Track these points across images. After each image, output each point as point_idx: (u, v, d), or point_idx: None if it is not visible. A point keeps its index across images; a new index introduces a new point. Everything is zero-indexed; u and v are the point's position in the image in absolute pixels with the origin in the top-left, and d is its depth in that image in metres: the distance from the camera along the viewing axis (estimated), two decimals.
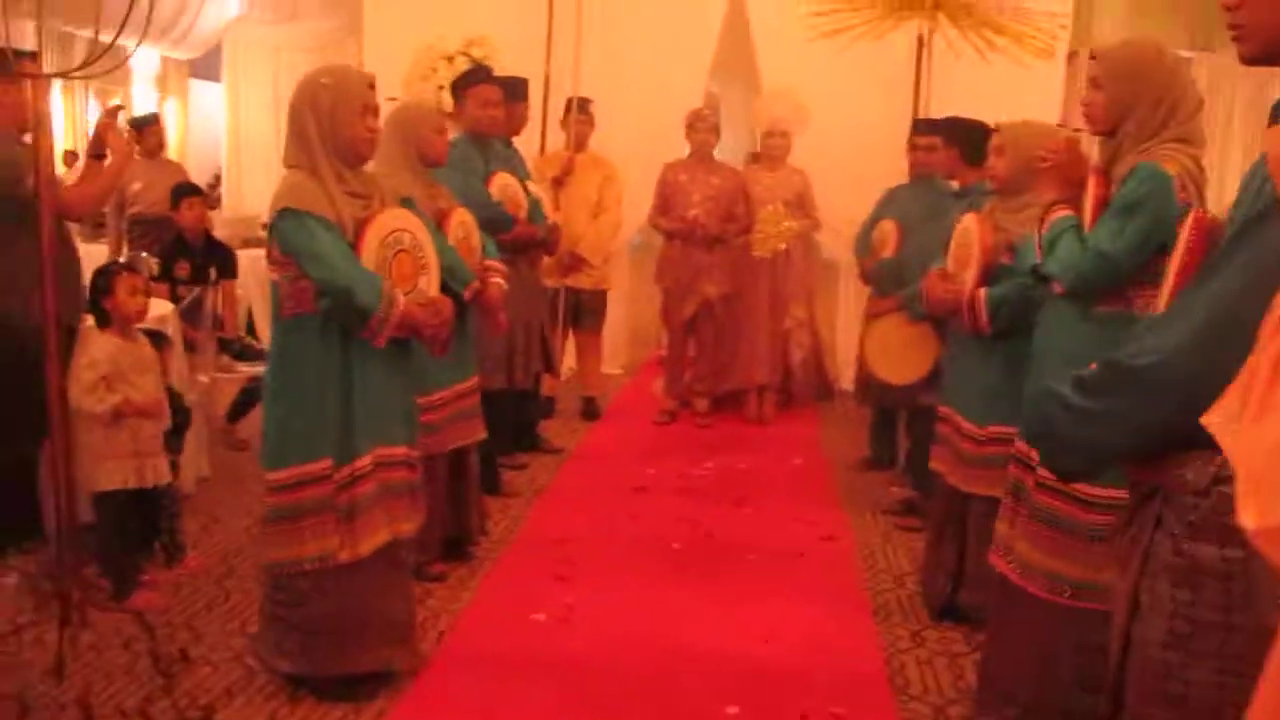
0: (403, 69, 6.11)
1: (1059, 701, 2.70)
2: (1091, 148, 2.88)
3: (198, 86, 11.50)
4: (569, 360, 6.70)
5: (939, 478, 3.76)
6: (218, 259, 5.62)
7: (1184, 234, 1.65)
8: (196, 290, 5.23)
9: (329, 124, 2.84)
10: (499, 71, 5.12)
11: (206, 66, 11.20)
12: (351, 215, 2.86)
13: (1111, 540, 2.44)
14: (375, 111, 2.94)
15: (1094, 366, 1.71)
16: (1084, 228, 2.71)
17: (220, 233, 6.70)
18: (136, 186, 6.73)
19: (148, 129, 7.20)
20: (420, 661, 3.23)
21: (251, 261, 6.59)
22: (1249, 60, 1.63)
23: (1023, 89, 6.17)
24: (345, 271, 2.77)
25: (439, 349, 3.07)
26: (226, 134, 10.80)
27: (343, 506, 2.88)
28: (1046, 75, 6.58)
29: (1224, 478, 1.58)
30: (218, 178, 10.99)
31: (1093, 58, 2.81)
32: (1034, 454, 2.79)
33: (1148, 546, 1.68)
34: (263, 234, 8.11)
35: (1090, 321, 2.68)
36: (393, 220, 2.97)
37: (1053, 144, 2.91)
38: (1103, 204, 2.68)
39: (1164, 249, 2.56)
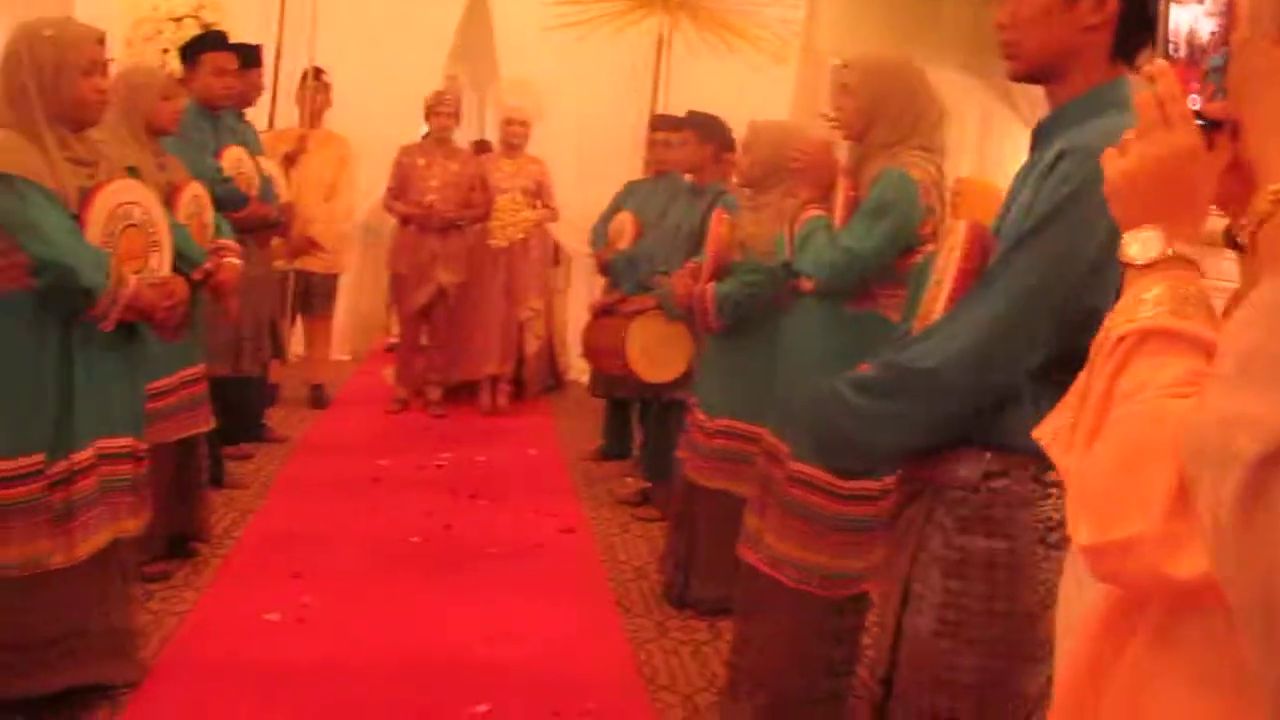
0: (122, 29, 5.65)
1: (808, 686, 2.80)
2: (841, 150, 2.98)
3: None
4: (295, 346, 6.41)
5: (680, 465, 3.83)
6: None
7: (959, 241, 1.71)
8: None
9: (51, 81, 2.57)
10: (231, 38, 4.81)
11: None
12: (75, 184, 2.59)
13: (875, 532, 2.55)
14: (104, 70, 2.68)
15: (867, 367, 1.76)
16: (834, 227, 2.81)
17: None
18: None
19: None
20: (142, 672, 2.98)
21: None
22: (1016, 78, 1.73)
23: (755, 90, 6.36)
24: (67, 247, 2.51)
25: (171, 334, 2.84)
26: None
27: (58, 506, 2.61)
28: (777, 79, 6.82)
29: (993, 473, 1.66)
30: None
31: (844, 65, 2.92)
32: (783, 447, 2.88)
33: (919, 539, 1.74)
34: None
35: (841, 321, 2.78)
36: (121, 191, 2.72)
37: (804, 145, 2.99)
38: (852, 205, 2.79)
39: (909, 249, 2.71)
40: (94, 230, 2.60)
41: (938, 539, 1.71)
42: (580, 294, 7.31)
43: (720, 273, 3.65)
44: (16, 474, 2.55)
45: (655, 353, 4.64)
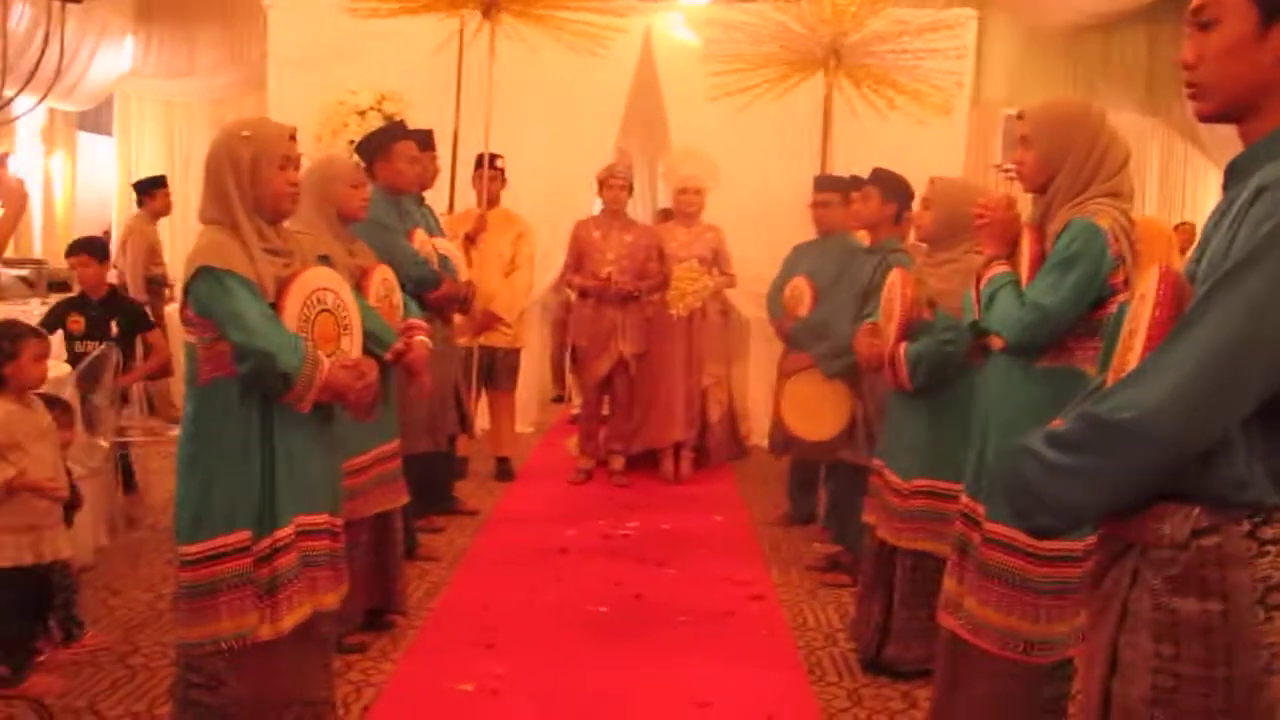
0: (308, 126, 5.98)
1: None
2: (1024, 203, 2.90)
3: (87, 140, 11.17)
4: (481, 420, 6.57)
5: (870, 530, 3.74)
6: (123, 314, 5.40)
7: (1152, 288, 1.63)
8: (99, 348, 5.00)
9: (248, 178, 2.72)
10: (410, 126, 5.03)
11: (96, 119, 10.89)
12: (272, 274, 2.73)
13: (1080, 595, 2.42)
14: (297, 164, 2.82)
15: (1060, 422, 1.67)
16: (1021, 283, 2.72)
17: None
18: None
19: (157, 191, 7.87)
20: None
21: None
22: (1205, 118, 1.64)
23: (920, 145, 6.26)
24: (266, 334, 2.63)
25: (363, 413, 2.94)
26: (118, 189, 10.49)
27: (263, 580, 2.72)
28: (943, 132, 6.71)
29: (1203, 530, 1.55)
30: (107, 233, 10.66)
31: (1020, 116, 2.84)
32: (979, 509, 2.78)
33: (1125, 601, 1.64)
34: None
35: (1035, 377, 2.68)
36: (315, 279, 2.84)
37: (987, 200, 2.92)
38: (1039, 259, 2.70)
39: (1100, 302, 2.60)
40: (290, 317, 2.72)
41: (1146, 601, 1.60)
42: (761, 360, 7.28)
43: (910, 332, 3.57)
44: (226, 550, 2.67)
45: (811, 410, 4.59)
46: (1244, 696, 1.55)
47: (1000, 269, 2.78)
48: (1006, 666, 2.66)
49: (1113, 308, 2.57)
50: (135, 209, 8.20)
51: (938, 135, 6.62)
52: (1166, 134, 10.30)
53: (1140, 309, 1.66)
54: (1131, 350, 1.64)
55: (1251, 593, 1.52)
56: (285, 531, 2.75)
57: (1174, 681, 1.57)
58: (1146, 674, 1.60)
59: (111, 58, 10.00)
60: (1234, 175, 1.61)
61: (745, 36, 6.28)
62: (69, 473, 3.73)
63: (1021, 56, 9.92)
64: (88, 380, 4.64)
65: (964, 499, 2.89)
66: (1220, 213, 1.61)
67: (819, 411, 4.70)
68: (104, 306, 5.40)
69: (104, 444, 4.65)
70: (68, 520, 3.65)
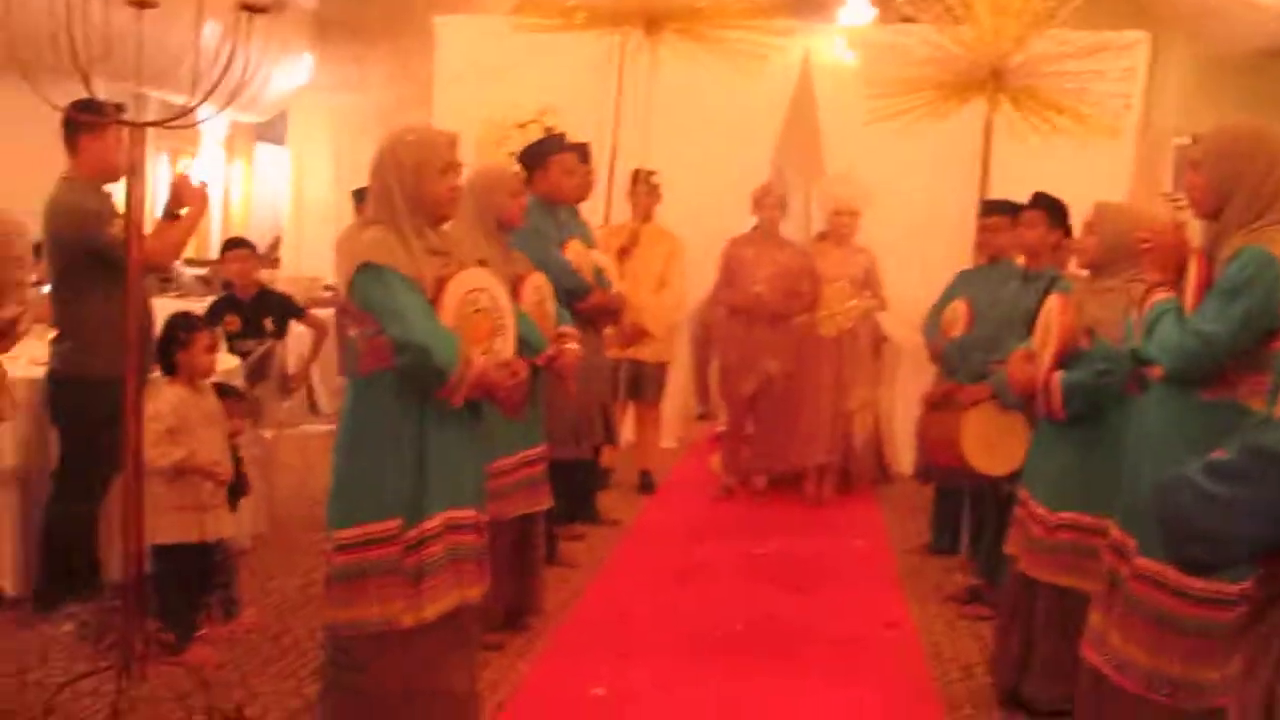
0: (470, 137, 6.15)
1: None
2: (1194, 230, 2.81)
3: (263, 150, 11.70)
4: (626, 432, 6.63)
5: (1012, 561, 3.65)
6: (274, 310, 5.60)
7: None
8: (264, 344, 5.22)
9: (412, 180, 2.82)
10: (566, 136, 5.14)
11: (273, 130, 11.39)
12: (431, 273, 2.82)
13: (1235, 638, 2.32)
14: (458, 170, 2.92)
15: (1223, 452, 1.61)
16: (1185, 310, 2.63)
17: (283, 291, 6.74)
18: None
19: None
20: None
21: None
22: None
23: (1085, 170, 6.08)
24: (424, 329, 2.72)
25: (513, 411, 3.02)
26: (291, 198, 10.95)
27: (410, 569, 2.80)
28: (1108, 157, 6.52)
29: None
30: (278, 239, 11.12)
31: (1194, 141, 2.75)
32: (1130, 542, 2.69)
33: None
34: (324, 294, 8.23)
35: (1196, 409, 2.60)
36: (471, 279, 2.93)
37: (1154, 225, 2.84)
38: (1206, 287, 2.60)
39: (1270, 333, 2.49)
40: (447, 314, 2.81)
41: None
42: (909, 385, 7.16)
43: (1066, 359, 3.48)
44: (377, 537, 2.78)
45: (993, 444, 4.43)
46: None
47: (1164, 295, 2.69)
48: (1150, 709, 2.57)
49: None
50: (354, 216, 8.41)
51: (1103, 161, 6.43)
52: None
53: None
54: None
55: None
56: (433, 523, 2.83)
57: None
58: None
59: (290, 72, 10.46)
60: None
61: (904, 59, 6.21)
62: (239, 460, 3.92)
63: (1196, 84, 9.55)
64: (256, 374, 4.86)
65: (1115, 531, 2.81)
66: None
67: (1000, 445, 4.52)
68: (256, 305, 5.57)
69: (267, 435, 4.87)
70: (233, 505, 3.84)
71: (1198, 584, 2.47)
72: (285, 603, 4.17)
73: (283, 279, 9.17)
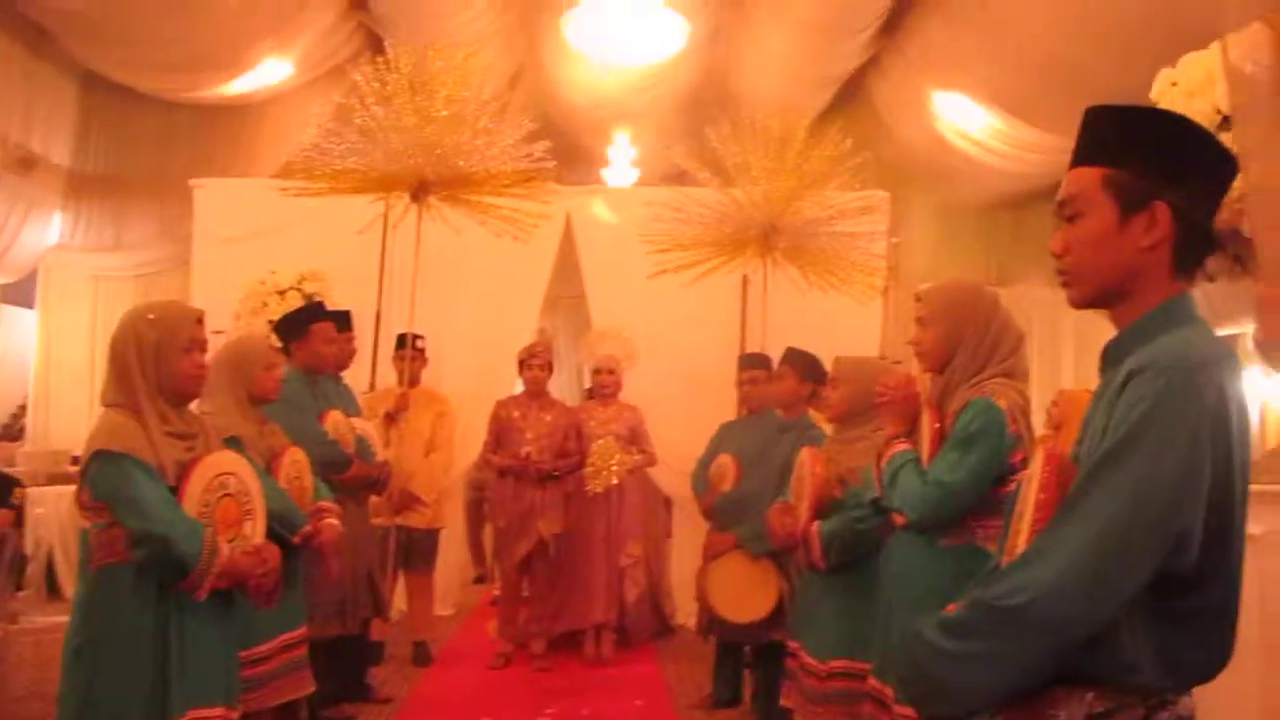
0: (232, 303, 5.98)
1: None
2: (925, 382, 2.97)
3: (7, 311, 11.03)
4: (399, 602, 6.41)
5: (789, 715, 3.67)
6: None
7: (1037, 470, 1.67)
8: None
9: (152, 361, 2.71)
10: (331, 306, 5.06)
11: (17, 292, 10.79)
12: (174, 458, 2.69)
13: None
14: (203, 347, 2.83)
15: (954, 608, 1.67)
16: (922, 461, 2.77)
17: (25, 467, 6.30)
18: None
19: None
20: None
21: (57, 498, 6.18)
22: (1078, 305, 1.71)
23: (844, 323, 6.41)
24: (164, 519, 2.58)
25: (264, 600, 2.86)
26: (36, 363, 10.33)
27: None
28: (864, 310, 6.88)
29: (1096, 715, 1.55)
30: (22, 408, 10.43)
31: (918, 299, 2.94)
32: (888, 690, 2.75)
33: None
34: (72, 469, 7.72)
35: (937, 554, 2.71)
36: (218, 463, 2.81)
37: (889, 379, 2.99)
38: (939, 437, 2.75)
39: (1000, 480, 2.65)
40: (191, 502, 2.67)
41: None
42: (688, 538, 7.22)
43: (822, 510, 3.59)
44: None
45: (740, 591, 4.55)
46: None
47: (901, 447, 2.83)
48: None
49: (1012, 486, 2.60)
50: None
51: (857, 313, 6.78)
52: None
53: (1028, 491, 1.69)
54: (1020, 533, 1.66)
55: None
56: None
57: None
58: None
59: (39, 231, 9.98)
60: (1108, 359, 1.67)
61: (674, 218, 6.43)
62: None
63: (938, 235, 10.32)
64: None
65: (872, 680, 2.87)
66: (1098, 396, 1.66)
67: (746, 592, 4.65)
68: None
69: None
70: None
71: None
72: None
73: (22, 454, 8.59)
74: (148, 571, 2.59)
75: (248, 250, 6.79)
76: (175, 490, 2.66)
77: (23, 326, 10.87)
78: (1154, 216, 1.60)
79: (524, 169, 6.08)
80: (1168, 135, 1.65)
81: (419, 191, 6.11)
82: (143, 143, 9.56)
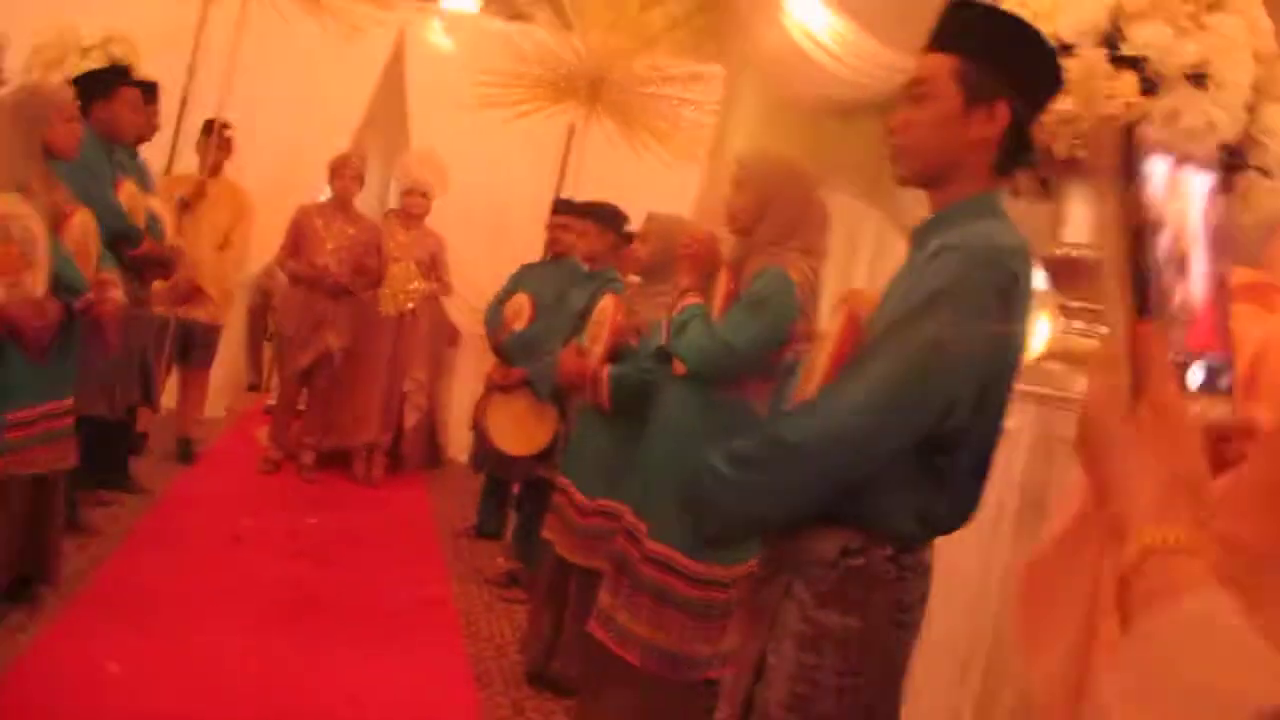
0: (23, 50, 5.51)
1: None
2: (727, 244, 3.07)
3: None
4: (169, 397, 6.21)
5: (548, 546, 3.80)
6: None
7: (837, 329, 1.77)
8: None
9: None
10: (138, 77, 4.76)
11: None
12: None
13: (726, 617, 2.58)
14: None
15: (745, 440, 1.78)
16: (711, 316, 2.88)
17: None
18: None
19: None
20: None
21: None
22: (904, 182, 1.81)
23: (663, 184, 6.47)
24: None
25: (37, 354, 2.75)
26: None
27: None
28: (686, 175, 6.96)
29: (851, 551, 1.70)
30: None
31: (739, 163, 3.01)
32: (643, 526, 2.90)
33: (775, 613, 1.76)
34: None
35: (710, 405, 2.86)
36: (3, 205, 2.64)
37: (693, 233, 3.08)
38: (731, 297, 2.86)
39: (779, 345, 2.78)
40: None
41: (794, 613, 1.73)
42: (468, 373, 7.25)
43: (614, 355, 3.68)
44: None
45: (519, 426, 4.68)
46: (871, 706, 1.69)
47: (694, 300, 2.93)
48: (649, 681, 2.78)
49: (788, 353, 2.74)
50: None
51: (677, 178, 6.84)
52: (881, 223, 11.07)
53: (822, 346, 1.80)
54: (811, 382, 1.77)
55: (887, 611, 1.67)
56: None
57: (810, 689, 1.70)
58: (787, 680, 1.72)
59: None
60: (918, 237, 1.79)
61: (509, 53, 6.31)
62: None
63: (766, 123, 10.43)
64: None
65: (628, 516, 3.01)
66: (901, 273, 1.77)
67: (524, 427, 4.77)
68: None
69: None
70: None
71: (699, 567, 2.73)
72: None
73: None
74: None
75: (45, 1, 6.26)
76: None
77: None
78: (993, 112, 1.71)
79: None
80: (1021, 40, 1.76)
81: None
82: None
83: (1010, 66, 1.72)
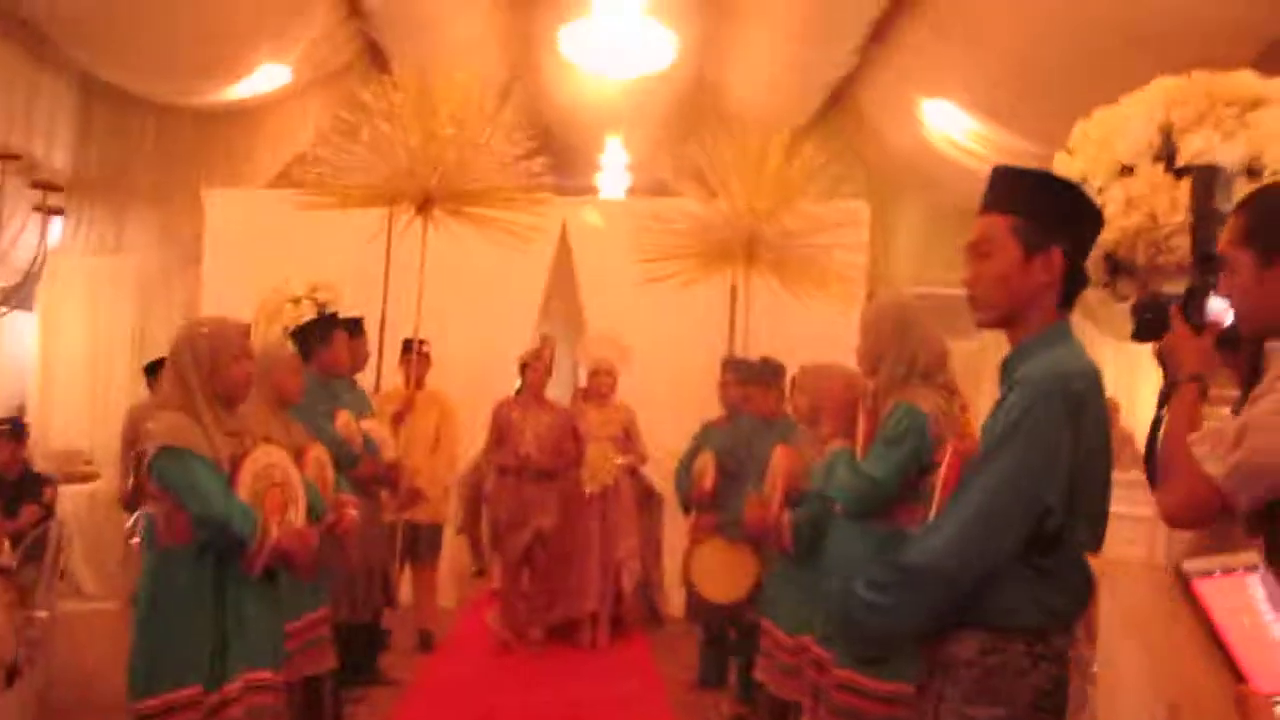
0: (243, 309, 6.28)
1: None
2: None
3: (6, 316, 11.21)
4: (404, 594, 6.75)
5: (763, 688, 4.05)
6: (34, 494, 5.53)
7: (945, 461, 2.09)
8: (44, 523, 5.17)
9: (208, 369, 3.10)
10: (339, 312, 5.40)
11: (19, 296, 10.99)
12: (227, 452, 3.08)
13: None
14: (250, 356, 3.21)
15: (879, 566, 2.11)
16: (856, 457, 3.18)
17: (41, 467, 6.63)
18: None
19: None
20: None
21: (74, 495, 6.52)
22: (985, 325, 2.14)
23: (829, 325, 6.69)
24: (223, 505, 2.97)
25: (306, 574, 3.25)
26: (39, 366, 10.52)
27: None
28: (844, 317, 7.20)
29: (988, 649, 1.97)
30: (21, 408, 10.65)
31: (861, 311, 3.34)
32: (827, 655, 3.18)
33: (935, 711, 2.03)
34: (85, 468, 8.04)
35: (869, 539, 3.12)
36: (265, 456, 3.20)
37: (830, 383, 3.41)
38: (870, 436, 3.17)
39: (923, 472, 3.04)
40: (243, 490, 3.08)
41: (949, 712, 2.01)
42: (679, 530, 7.55)
43: (792, 501, 3.98)
44: (179, 704, 2.95)
45: (720, 574, 4.95)
46: None
47: (838, 444, 3.25)
48: None
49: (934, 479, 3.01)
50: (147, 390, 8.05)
51: (838, 321, 7.08)
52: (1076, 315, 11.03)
53: (938, 479, 2.13)
54: (933, 510, 2.10)
55: (1031, 698, 1.93)
56: (233, 686, 3.03)
57: None
58: None
59: (39, 232, 10.18)
60: (1005, 372, 2.09)
61: (663, 228, 6.76)
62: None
63: (925, 240, 10.64)
64: (30, 555, 4.83)
65: (814, 649, 3.28)
66: (994, 407, 2.08)
67: (726, 574, 5.04)
68: (17, 487, 5.51)
69: (42, 615, 4.81)
70: (8, 683, 3.84)
71: (887, 686, 2.96)
72: None
73: (39, 454, 8.86)
74: (208, 551, 2.99)
75: (255, 259, 7.09)
76: (229, 480, 3.04)
77: (20, 330, 11.05)
78: (1049, 259, 2.02)
79: (523, 184, 6.42)
80: (1063, 194, 2.10)
81: (425, 204, 6.44)
82: (142, 146, 9.77)
83: (1058, 218, 2.04)
